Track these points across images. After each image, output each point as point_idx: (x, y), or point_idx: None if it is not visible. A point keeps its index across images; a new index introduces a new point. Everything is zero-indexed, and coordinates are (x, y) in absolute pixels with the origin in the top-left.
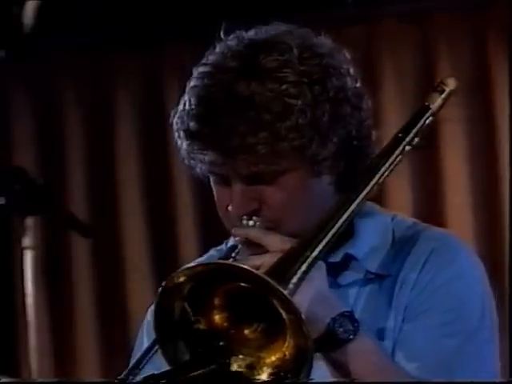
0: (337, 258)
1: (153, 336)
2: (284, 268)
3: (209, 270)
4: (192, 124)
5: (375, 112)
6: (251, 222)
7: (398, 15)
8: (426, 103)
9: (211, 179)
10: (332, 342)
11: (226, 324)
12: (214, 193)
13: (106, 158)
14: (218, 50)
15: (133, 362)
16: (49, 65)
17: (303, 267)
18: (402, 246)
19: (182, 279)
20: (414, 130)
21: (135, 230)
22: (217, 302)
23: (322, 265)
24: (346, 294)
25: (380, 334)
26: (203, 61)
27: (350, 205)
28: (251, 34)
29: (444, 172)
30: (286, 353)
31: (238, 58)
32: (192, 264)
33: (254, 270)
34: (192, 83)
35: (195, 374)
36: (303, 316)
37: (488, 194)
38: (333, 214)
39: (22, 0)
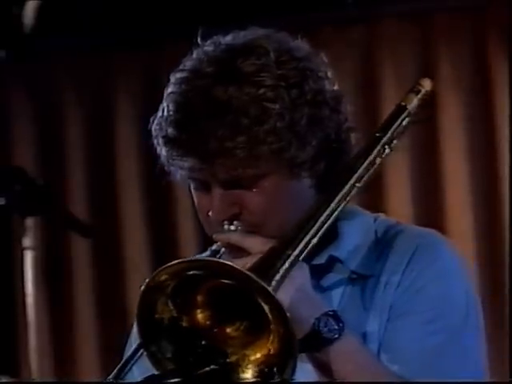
0: (321, 260)
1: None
2: (266, 266)
3: (192, 267)
4: (170, 130)
5: (375, 111)
6: (232, 227)
7: (398, 15)
8: (403, 103)
9: (191, 185)
10: (317, 341)
11: (209, 322)
12: (195, 199)
13: (105, 158)
14: (194, 55)
15: (121, 362)
16: (49, 65)
17: (285, 265)
18: (384, 246)
19: (164, 277)
20: (392, 130)
21: (135, 230)
22: (200, 299)
23: (304, 265)
24: (329, 297)
25: (364, 336)
26: (180, 67)
27: (329, 204)
28: (228, 38)
29: (444, 171)
30: (271, 348)
31: (214, 63)
32: (174, 262)
33: (236, 266)
34: (169, 89)
35: (195, 374)
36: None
37: (488, 193)
38: (312, 214)
39: (22, 0)
